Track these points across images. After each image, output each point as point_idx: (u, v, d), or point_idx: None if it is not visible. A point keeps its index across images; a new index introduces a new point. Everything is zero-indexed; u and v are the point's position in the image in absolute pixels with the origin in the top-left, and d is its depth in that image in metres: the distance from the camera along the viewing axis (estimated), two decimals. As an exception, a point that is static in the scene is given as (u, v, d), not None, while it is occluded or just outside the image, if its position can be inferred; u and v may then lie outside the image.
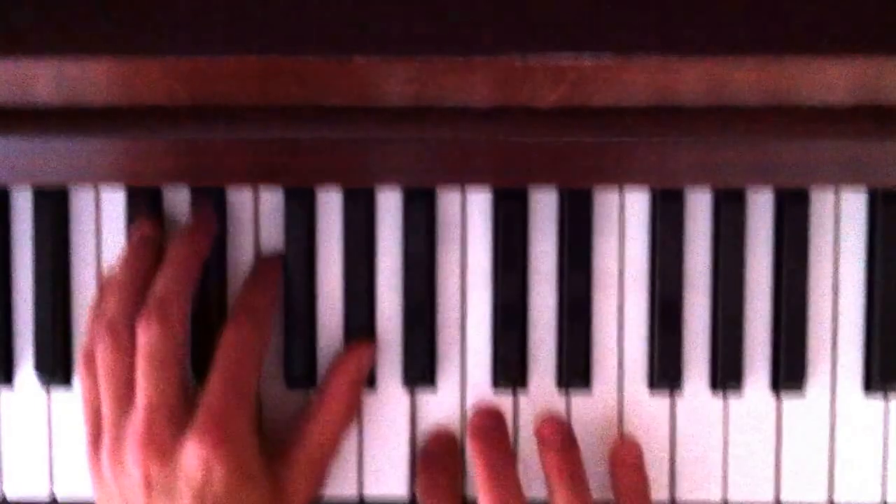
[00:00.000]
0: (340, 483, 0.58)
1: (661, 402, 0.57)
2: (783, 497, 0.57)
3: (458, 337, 0.57)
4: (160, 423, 0.50)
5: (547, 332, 0.57)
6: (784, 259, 0.56)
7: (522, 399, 0.57)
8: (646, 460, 0.56)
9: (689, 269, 0.57)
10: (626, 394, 0.57)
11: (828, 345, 0.57)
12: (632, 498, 0.54)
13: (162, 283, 0.52)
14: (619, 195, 0.57)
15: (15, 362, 0.58)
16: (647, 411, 0.57)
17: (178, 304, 0.52)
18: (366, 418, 0.58)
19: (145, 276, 0.54)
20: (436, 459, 0.56)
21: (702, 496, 0.57)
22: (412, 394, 0.58)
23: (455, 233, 0.57)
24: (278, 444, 0.55)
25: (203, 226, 0.56)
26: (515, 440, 0.57)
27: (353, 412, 0.56)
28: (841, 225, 0.57)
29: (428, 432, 0.57)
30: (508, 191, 0.56)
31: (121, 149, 0.52)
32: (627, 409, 0.57)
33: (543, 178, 0.55)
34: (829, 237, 0.57)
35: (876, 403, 0.57)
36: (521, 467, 0.57)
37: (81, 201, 0.58)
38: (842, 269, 0.57)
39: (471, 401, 0.57)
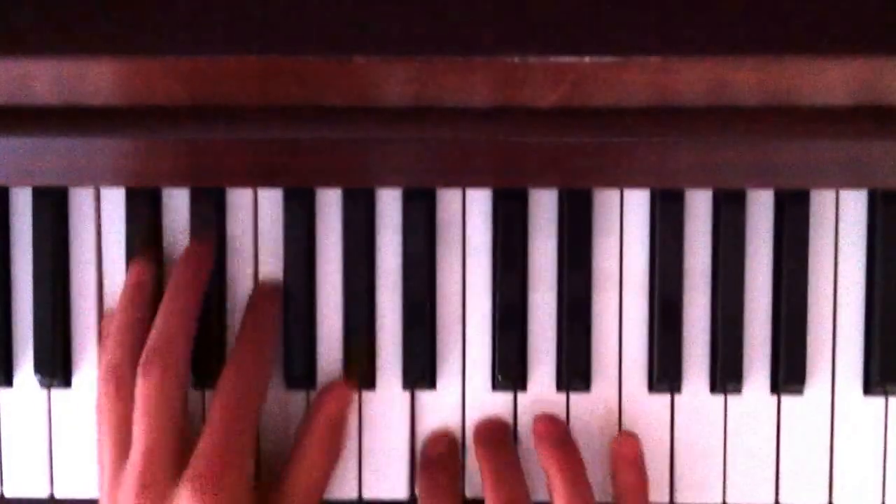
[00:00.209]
0: (340, 484, 0.58)
1: (660, 403, 0.57)
2: (782, 499, 0.57)
3: (458, 337, 0.57)
4: (156, 469, 0.50)
5: (547, 332, 0.57)
6: (784, 259, 0.56)
7: (522, 399, 0.57)
8: (645, 459, 0.56)
9: (689, 270, 0.57)
10: (625, 394, 0.57)
11: (828, 345, 0.57)
12: (630, 494, 0.55)
13: (160, 329, 0.53)
14: (620, 195, 0.57)
15: (14, 362, 0.58)
16: (646, 412, 0.57)
17: (177, 349, 0.52)
18: (365, 419, 0.58)
19: (144, 319, 0.54)
20: (436, 460, 0.56)
21: (701, 498, 0.57)
22: (412, 394, 0.58)
23: (455, 233, 0.57)
24: (271, 488, 0.54)
25: (199, 262, 0.56)
26: (515, 441, 0.57)
27: (338, 453, 0.56)
28: (841, 225, 0.57)
29: (428, 433, 0.57)
30: (508, 191, 0.56)
31: (121, 149, 0.52)
32: (627, 409, 0.57)
33: (543, 179, 0.55)
34: (829, 237, 0.57)
35: (876, 404, 0.57)
36: (521, 466, 0.57)
37: (81, 201, 0.58)
38: (841, 270, 0.57)
39: (470, 401, 0.57)
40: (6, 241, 0.58)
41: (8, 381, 0.58)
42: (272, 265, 0.57)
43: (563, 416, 0.57)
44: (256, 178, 0.55)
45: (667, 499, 0.57)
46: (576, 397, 0.57)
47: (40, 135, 0.51)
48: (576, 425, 0.57)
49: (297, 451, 0.55)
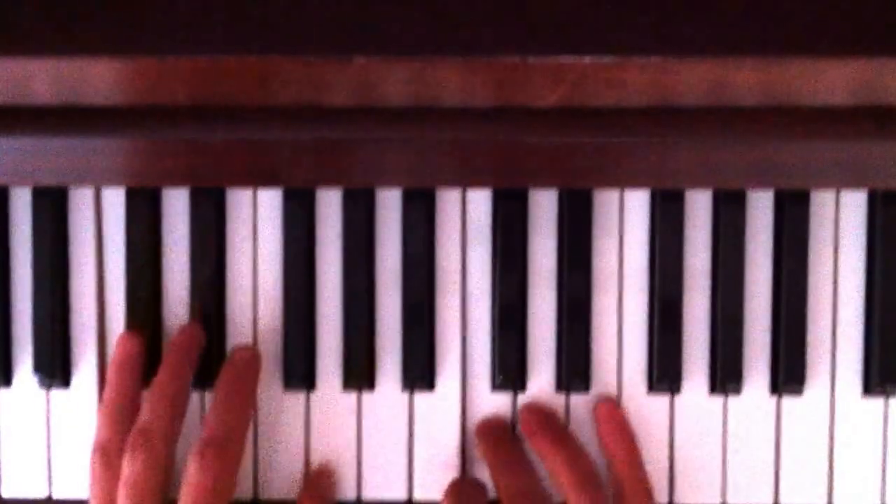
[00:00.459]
0: (339, 485, 0.58)
1: (660, 403, 0.57)
2: (782, 499, 0.57)
3: (457, 338, 0.57)
4: None
5: (546, 332, 0.57)
6: (784, 259, 0.56)
7: (522, 400, 0.57)
8: (644, 460, 0.56)
9: (689, 270, 0.57)
10: (625, 394, 0.57)
11: (827, 346, 0.57)
12: (619, 452, 0.55)
13: (147, 413, 0.53)
14: (619, 195, 0.57)
15: (14, 362, 0.58)
16: (646, 412, 0.57)
17: (161, 433, 0.53)
18: (364, 420, 0.58)
19: (133, 394, 0.55)
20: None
21: (701, 498, 0.57)
22: (411, 395, 0.58)
23: (455, 233, 0.57)
24: None
25: (188, 348, 0.56)
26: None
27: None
28: (841, 225, 0.57)
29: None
30: (508, 191, 0.56)
31: (121, 149, 0.52)
32: (626, 409, 0.57)
33: (543, 179, 0.54)
34: (829, 237, 0.57)
35: (875, 404, 0.57)
36: (520, 468, 0.57)
37: (80, 201, 0.57)
38: (841, 270, 0.57)
39: (470, 402, 0.57)
40: (6, 241, 0.57)
41: (7, 381, 0.58)
42: (272, 265, 0.57)
43: (562, 416, 0.57)
44: (256, 178, 0.55)
45: (666, 499, 0.57)
46: (575, 398, 0.57)
47: (40, 135, 0.51)
48: (575, 426, 0.57)
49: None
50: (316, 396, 0.58)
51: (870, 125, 0.49)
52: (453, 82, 0.47)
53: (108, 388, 0.56)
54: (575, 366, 0.57)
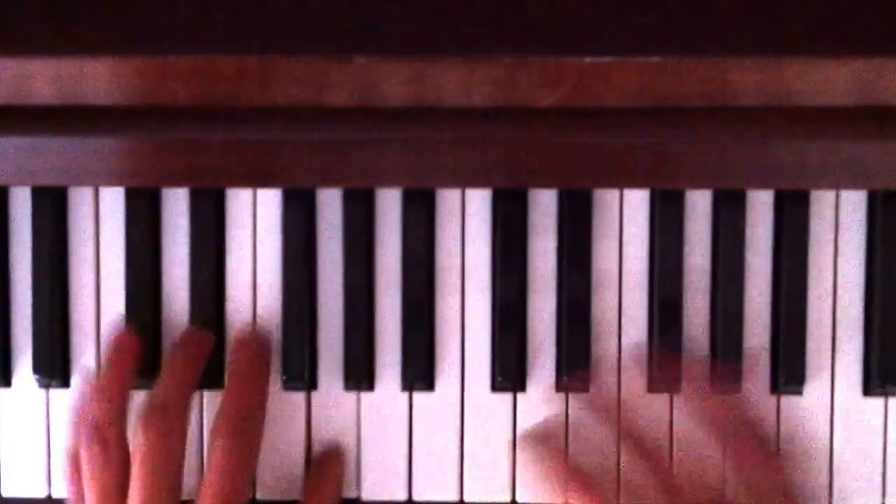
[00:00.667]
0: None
1: (659, 403, 0.57)
2: (782, 498, 0.57)
3: (457, 338, 0.57)
4: None
5: (546, 332, 0.57)
6: (784, 259, 0.56)
7: (522, 400, 0.57)
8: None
9: (689, 270, 0.57)
10: (624, 394, 0.57)
11: (827, 346, 0.57)
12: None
13: (163, 390, 0.53)
14: (619, 195, 0.57)
15: (13, 362, 0.58)
16: (645, 411, 0.57)
17: (178, 411, 0.53)
18: (364, 420, 0.58)
19: (127, 382, 0.55)
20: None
21: (701, 498, 0.57)
22: (410, 396, 0.58)
23: (454, 233, 0.57)
24: None
25: (202, 336, 0.56)
26: (514, 441, 0.57)
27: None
28: (840, 225, 0.57)
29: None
30: (508, 191, 0.56)
31: (120, 149, 0.52)
32: (626, 408, 0.57)
33: (543, 179, 0.54)
34: (829, 237, 0.57)
35: (875, 404, 0.57)
36: (520, 467, 0.57)
37: (80, 201, 0.57)
38: (841, 270, 0.57)
39: (469, 402, 0.57)
40: (5, 241, 0.57)
41: (6, 381, 0.58)
42: (272, 265, 0.57)
43: (562, 416, 0.57)
44: (256, 179, 0.55)
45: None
46: (575, 398, 0.57)
47: (40, 134, 0.51)
48: (574, 426, 0.57)
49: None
50: (316, 397, 0.58)
51: (870, 125, 0.49)
52: (453, 82, 0.47)
53: (102, 375, 0.55)
54: (575, 366, 0.57)
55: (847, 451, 0.57)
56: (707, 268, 0.57)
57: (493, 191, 0.57)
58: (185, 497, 0.53)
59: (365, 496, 0.58)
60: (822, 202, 0.56)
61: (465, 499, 0.57)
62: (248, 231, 0.57)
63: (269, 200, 0.57)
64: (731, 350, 0.56)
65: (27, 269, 0.57)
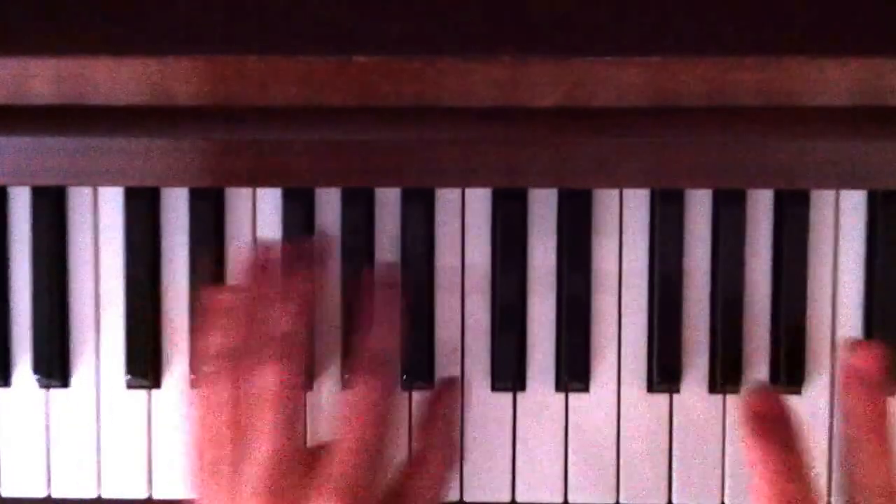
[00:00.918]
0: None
1: (659, 403, 0.57)
2: (781, 497, 0.57)
3: (456, 337, 0.57)
4: (286, 471, 0.46)
5: (546, 332, 0.57)
6: (784, 259, 0.56)
7: (521, 400, 0.57)
8: (650, 453, 0.56)
9: (689, 270, 0.57)
10: (624, 394, 0.57)
11: (827, 346, 0.57)
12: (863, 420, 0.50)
13: (285, 323, 0.49)
14: (619, 195, 0.57)
15: (13, 362, 0.58)
16: (645, 412, 0.57)
17: (300, 344, 0.49)
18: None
19: (263, 306, 0.50)
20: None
21: (699, 498, 0.57)
22: (410, 396, 0.57)
23: (454, 233, 0.57)
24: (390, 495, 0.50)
25: (321, 255, 0.54)
26: (514, 441, 0.57)
27: (455, 457, 0.53)
28: (841, 225, 0.57)
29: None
30: (508, 190, 0.56)
31: (120, 149, 0.52)
32: (626, 409, 0.57)
33: (543, 179, 0.55)
34: (829, 237, 0.57)
35: (874, 404, 0.57)
36: (520, 467, 0.57)
37: (80, 201, 0.57)
38: (841, 270, 0.57)
39: (469, 402, 0.57)
40: (4, 241, 0.58)
41: (6, 381, 0.58)
42: (271, 265, 0.57)
43: (562, 416, 0.57)
44: (256, 179, 0.55)
45: (665, 499, 0.57)
46: (575, 398, 0.57)
47: (40, 134, 0.51)
48: (573, 426, 0.57)
49: (416, 458, 0.52)
50: (314, 396, 0.58)
51: (870, 125, 0.49)
52: (453, 82, 0.47)
53: (229, 292, 0.51)
54: (574, 366, 0.57)
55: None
56: (707, 268, 0.57)
57: (493, 191, 0.57)
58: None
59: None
60: (822, 202, 0.56)
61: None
62: (248, 231, 0.57)
63: (269, 200, 0.57)
64: (731, 350, 0.56)
65: (27, 269, 0.57)
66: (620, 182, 0.55)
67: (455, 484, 0.57)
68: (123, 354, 0.57)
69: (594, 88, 0.47)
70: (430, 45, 0.44)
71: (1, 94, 0.49)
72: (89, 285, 0.58)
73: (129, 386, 0.58)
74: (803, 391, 0.57)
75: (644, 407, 0.57)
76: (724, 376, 0.56)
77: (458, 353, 0.57)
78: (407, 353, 0.57)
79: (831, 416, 0.57)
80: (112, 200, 0.57)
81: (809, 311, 0.56)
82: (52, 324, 0.57)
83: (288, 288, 0.51)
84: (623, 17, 0.43)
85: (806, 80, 0.45)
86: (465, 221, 0.57)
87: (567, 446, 0.57)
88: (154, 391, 0.58)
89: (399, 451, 0.57)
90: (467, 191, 0.57)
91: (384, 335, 0.51)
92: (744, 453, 0.50)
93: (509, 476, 0.57)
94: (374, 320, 0.51)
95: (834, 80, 0.45)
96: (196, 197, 0.57)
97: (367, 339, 0.51)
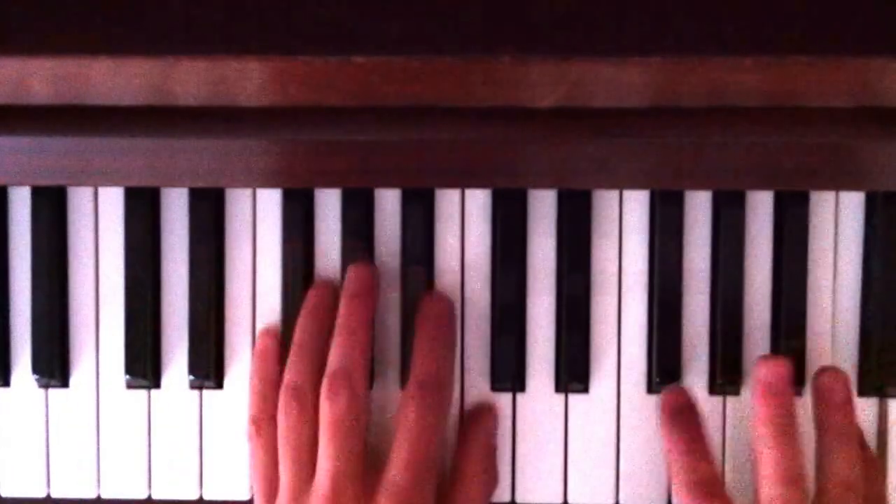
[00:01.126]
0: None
1: (659, 404, 0.57)
2: (781, 498, 0.57)
3: (456, 338, 0.57)
4: (346, 492, 0.51)
5: (545, 333, 0.57)
6: (783, 260, 0.56)
7: (520, 400, 0.57)
8: (643, 460, 0.56)
9: (689, 270, 0.57)
10: (624, 395, 0.57)
11: (826, 346, 0.57)
12: (835, 436, 0.53)
13: (342, 352, 0.53)
14: (619, 195, 0.57)
15: (12, 362, 0.58)
16: (645, 413, 0.57)
17: (360, 372, 0.53)
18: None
19: (323, 340, 0.55)
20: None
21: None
22: (410, 395, 0.57)
23: (454, 233, 0.57)
24: None
25: (367, 285, 0.56)
26: (514, 441, 0.57)
27: (496, 475, 0.57)
28: (840, 226, 0.57)
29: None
30: (507, 191, 0.56)
31: (120, 149, 0.52)
32: (625, 410, 0.57)
33: (542, 179, 0.54)
34: (829, 238, 0.57)
35: (871, 405, 0.57)
36: (519, 468, 0.57)
37: (80, 201, 0.57)
38: (841, 271, 0.57)
39: (469, 402, 0.57)
40: (4, 241, 0.58)
41: (5, 381, 0.58)
42: (271, 265, 0.57)
43: (561, 417, 0.57)
44: (256, 179, 0.55)
45: (665, 500, 0.57)
46: (574, 398, 0.57)
47: (39, 134, 0.51)
48: (573, 427, 0.57)
49: (458, 473, 0.55)
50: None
51: (870, 125, 0.49)
52: (452, 82, 0.47)
53: (298, 331, 0.55)
54: (574, 366, 0.57)
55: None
56: (707, 269, 0.57)
57: (493, 191, 0.57)
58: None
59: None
60: (821, 203, 0.56)
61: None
62: (248, 231, 0.57)
63: (269, 200, 0.57)
64: (731, 351, 0.56)
65: (26, 269, 0.57)
66: (620, 183, 0.55)
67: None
68: (123, 354, 0.57)
69: (594, 89, 0.47)
70: (430, 45, 0.44)
71: (1, 94, 0.49)
72: (89, 285, 0.58)
73: (129, 386, 0.58)
74: (803, 391, 0.57)
75: (644, 408, 0.57)
76: (724, 377, 0.56)
77: (458, 354, 0.57)
78: (406, 355, 0.57)
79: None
80: (112, 200, 0.57)
81: (809, 312, 0.56)
82: (51, 324, 0.57)
83: (345, 322, 0.54)
84: (623, 17, 0.43)
85: (806, 81, 0.45)
86: (465, 221, 0.57)
87: (567, 447, 0.57)
88: (154, 391, 0.58)
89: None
90: (467, 191, 0.57)
91: (439, 359, 0.54)
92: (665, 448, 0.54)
93: (509, 476, 0.57)
94: (429, 345, 0.54)
95: (834, 81, 0.45)
96: (196, 197, 0.57)
97: (422, 362, 0.54)
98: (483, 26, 0.43)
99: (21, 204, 0.58)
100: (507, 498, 0.57)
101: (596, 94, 0.48)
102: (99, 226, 0.58)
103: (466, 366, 0.57)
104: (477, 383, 0.57)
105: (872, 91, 0.47)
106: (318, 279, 0.57)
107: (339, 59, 0.44)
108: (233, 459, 0.58)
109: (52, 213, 0.57)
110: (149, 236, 0.57)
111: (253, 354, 0.57)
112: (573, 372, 0.57)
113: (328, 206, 0.57)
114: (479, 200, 0.57)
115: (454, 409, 0.57)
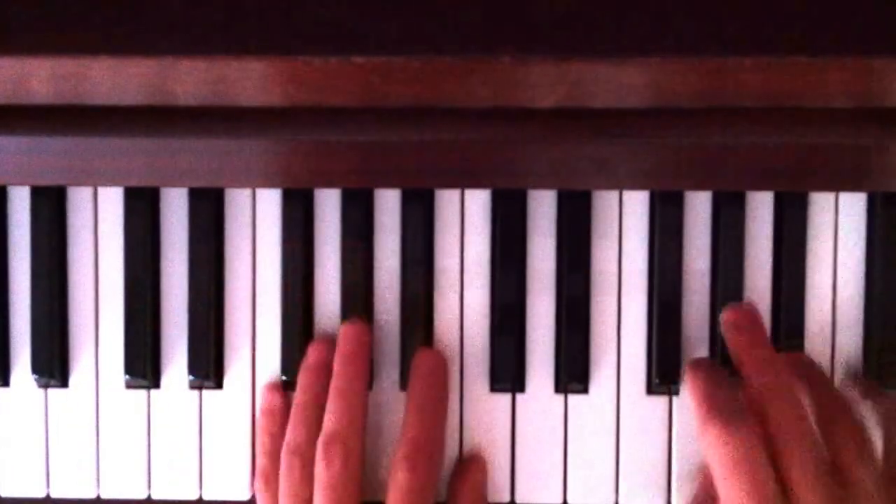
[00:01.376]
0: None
1: (658, 405, 0.57)
2: (781, 498, 0.57)
3: (455, 338, 0.57)
4: None
5: (545, 333, 0.57)
6: (783, 260, 0.56)
7: (520, 401, 0.57)
8: (642, 460, 0.56)
9: (689, 270, 0.57)
10: (623, 396, 0.57)
11: (827, 346, 0.57)
12: (746, 354, 0.52)
13: (335, 416, 0.54)
14: (619, 196, 0.57)
15: (12, 362, 0.58)
16: (644, 413, 0.57)
17: (354, 433, 0.54)
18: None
19: (323, 397, 0.55)
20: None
21: (699, 499, 0.57)
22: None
23: (454, 233, 0.57)
24: None
25: (359, 344, 0.56)
26: (513, 442, 0.57)
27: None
28: (840, 226, 0.57)
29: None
30: (507, 191, 0.56)
31: (120, 148, 0.52)
32: (625, 411, 0.57)
33: (542, 180, 0.54)
34: (829, 238, 0.57)
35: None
36: (519, 468, 0.57)
37: (79, 201, 0.57)
38: (840, 271, 0.57)
39: (468, 403, 0.57)
40: (4, 240, 0.57)
41: (5, 381, 0.58)
42: (271, 265, 0.57)
43: (561, 418, 0.57)
44: (255, 179, 0.55)
45: (664, 500, 0.57)
46: (574, 399, 0.57)
47: (39, 134, 0.51)
48: (572, 427, 0.57)
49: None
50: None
51: (870, 126, 0.49)
52: (452, 83, 0.47)
53: (299, 391, 0.56)
54: (573, 367, 0.57)
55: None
56: (707, 269, 0.57)
57: (492, 191, 0.57)
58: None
59: (363, 497, 0.58)
60: (821, 203, 0.56)
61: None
62: (248, 231, 0.57)
63: (269, 200, 0.57)
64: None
65: (26, 269, 0.57)
66: (620, 183, 0.55)
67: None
68: (122, 354, 0.57)
69: (594, 89, 0.47)
70: (430, 45, 0.44)
71: (1, 93, 0.49)
72: (89, 285, 0.58)
73: (129, 386, 0.58)
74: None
75: (643, 408, 0.57)
76: (724, 377, 0.56)
77: (458, 354, 0.57)
78: (405, 355, 0.57)
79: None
80: (112, 200, 0.57)
81: (808, 312, 0.56)
82: (51, 324, 0.57)
83: (337, 385, 0.55)
84: (623, 17, 0.43)
85: (806, 81, 0.45)
86: (464, 222, 0.57)
87: (566, 447, 0.57)
88: (153, 391, 0.58)
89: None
90: (467, 191, 0.57)
91: (428, 424, 0.55)
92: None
93: (508, 477, 0.57)
94: (419, 407, 0.55)
95: (834, 81, 0.45)
96: (196, 197, 0.57)
97: (412, 426, 0.54)
98: (483, 26, 0.43)
99: (21, 204, 0.58)
100: (507, 498, 0.57)
101: (596, 94, 0.48)
102: (98, 226, 0.58)
103: (466, 366, 0.57)
104: (476, 384, 0.57)
105: (872, 91, 0.47)
106: (317, 335, 0.58)
107: (339, 59, 0.44)
108: (232, 460, 0.58)
109: (51, 213, 0.57)
110: (148, 236, 0.57)
111: (260, 411, 0.57)
112: (573, 372, 0.57)
113: (328, 206, 0.57)
114: (479, 200, 0.57)
115: (454, 409, 0.57)
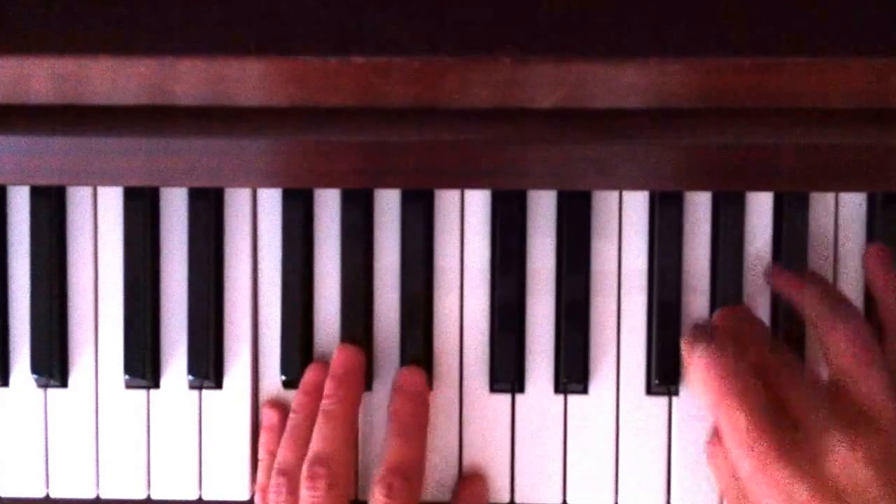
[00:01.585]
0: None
1: (658, 405, 0.57)
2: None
3: (455, 339, 0.57)
4: None
5: (545, 334, 0.57)
6: (783, 261, 0.56)
7: (520, 401, 0.57)
8: (649, 455, 0.56)
9: (689, 271, 0.57)
10: (623, 396, 0.57)
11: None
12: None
13: (321, 438, 0.54)
14: (619, 196, 0.57)
15: (11, 362, 0.58)
16: (644, 414, 0.57)
17: (340, 455, 0.54)
18: (361, 421, 0.58)
19: (314, 421, 0.55)
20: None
21: (698, 500, 0.57)
22: (410, 395, 0.57)
23: (454, 233, 0.57)
24: None
25: (351, 369, 0.56)
26: (513, 442, 0.57)
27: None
28: (840, 226, 0.57)
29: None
30: (507, 191, 0.56)
31: (120, 148, 0.52)
32: (624, 411, 0.57)
33: (542, 180, 0.54)
34: (829, 238, 0.57)
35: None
36: (519, 469, 0.57)
37: (79, 200, 0.57)
38: (840, 271, 0.57)
39: (468, 403, 0.57)
40: (3, 240, 0.58)
41: (4, 381, 0.58)
42: (271, 265, 0.57)
43: (560, 418, 0.57)
44: (255, 179, 0.55)
45: (664, 500, 0.57)
46: (574, 399, 0.57)
47: (39, 134, 0.51)
48: (572, 428, 0.57)
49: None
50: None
51: (870, 126, 0.49)
52: (452, 83, 0.47)
53: (293, 411, 0.56)
54: (573, 368, 0.57)
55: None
56: (706, 270, 0.57)
57: (492, 192, 0.57)
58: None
59: (362, 497, 0.58)
60: (821, 203, 0.56)
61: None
62: (248, 230, 0.57)
63: (269, 200, 0.57)
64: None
65: (25, 269, 0.57)
66: (620, 183, 0.55)
67: (453, 485, 0.57)
68: (122, 354, 0.57)
69: (594, 90, 0.47)
70: (430, 45, 0.44)
71: (1, 93, 0.49)
72: (88, 285, 0.58)
73: (128, 386, 0.58)
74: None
75: (643, 409, 0.57)
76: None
77: (458, 354, 0.57)
78: (405, 355, 0.57)
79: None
80: (111, 200, 0.57)
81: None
82: (50, 323, 0.57)
83: (326, 407, 0.55)
84: (623, 18, 0.43)
85: (806, 81, 0.45)
86: (464, 222, 0.57)
87: (566, 448, 0.57)
88: (153, 391, 0.58)
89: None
90: (467, 191, 0.57)
91: (407, 447, 0.55)
92: None
93: (508, 477, 0.57)
94: (400, 430, 0.55)
95: (834, 81, 0.45)
96: (195, 197, 0.57)
97: (392, 449, 0.54)
98: (483, 26, 0.43)
99: (20, 203, 0.58)
100: (507, 498, 0.57)
101: (596, 94, 0.48)
102: (98, 225, 0.58)
103: (466, 366, 0.57)
104: (476, 384, 0.57)
105: (873, 92, 0.47)
106: (316, 357, 0.58)
107: (339, 59, 0.44)
108: (232, 460, 0.58)
109: (51, 213, 0.57)
110: (148, 236, 0.57)
111: (261, 427, 0.58)
112: (572, 373, 0.57)
113: (328, 206, 0.57)
114: (479, 200, 0.57)
115: (455, 416, 0.57)
